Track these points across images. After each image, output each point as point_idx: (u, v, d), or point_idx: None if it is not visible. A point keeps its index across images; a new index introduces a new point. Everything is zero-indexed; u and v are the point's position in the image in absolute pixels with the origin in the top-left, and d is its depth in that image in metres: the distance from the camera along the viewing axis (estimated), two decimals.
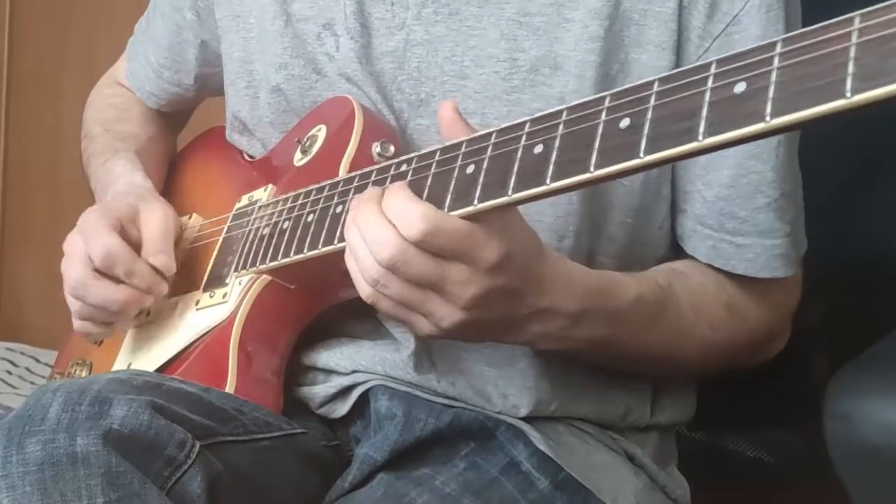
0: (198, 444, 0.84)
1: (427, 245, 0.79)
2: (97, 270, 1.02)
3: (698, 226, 1.01)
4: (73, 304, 1.06)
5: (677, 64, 0.97)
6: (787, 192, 1.00)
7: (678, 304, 0.98)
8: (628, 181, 0.99)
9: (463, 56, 0.99)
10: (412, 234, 0.79)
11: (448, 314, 0.83)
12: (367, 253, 0.81)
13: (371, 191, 0.84)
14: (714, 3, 0.97)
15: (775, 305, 1.05)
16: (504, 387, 1.00)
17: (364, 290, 0.84)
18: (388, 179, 0.88)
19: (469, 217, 0.79)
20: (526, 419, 1.00)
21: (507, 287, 0.83)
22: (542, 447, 0.97)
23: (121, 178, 1.15)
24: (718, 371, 1.06)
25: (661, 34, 0.97)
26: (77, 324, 1.08)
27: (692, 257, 1.03)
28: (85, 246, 1.03)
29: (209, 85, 1.24)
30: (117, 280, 1.03)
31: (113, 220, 1.04)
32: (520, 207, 0.82)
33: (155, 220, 1.06)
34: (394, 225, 0.79)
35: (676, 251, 1.05)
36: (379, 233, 0.80)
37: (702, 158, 0.99)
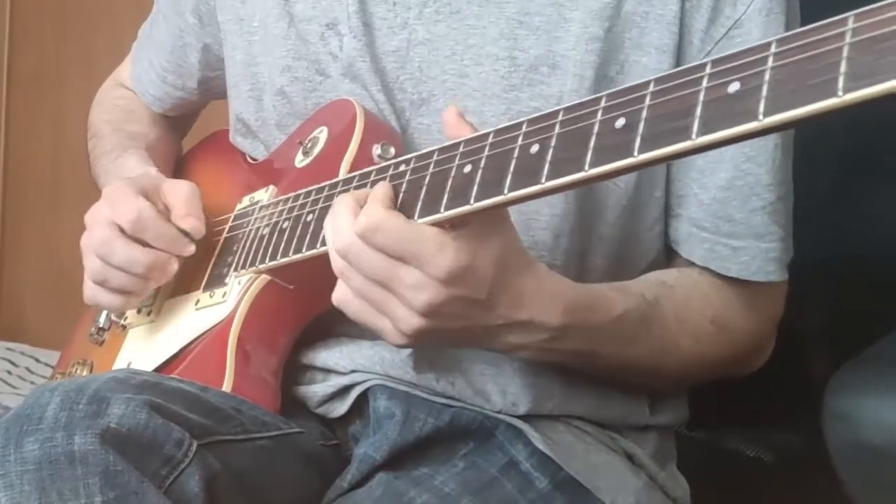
0: (195, 443, 0.84)
1: (369, 241, 0.82)
2: (125, 235, 1.02)
3: (694, 229, 1.01)
4: (94, 265, 1.04)
5: (678, 67, 0.97)
6: (782, 197, 1.00)
7: (663, 320, 0.97)
8: (623, 183, 0.99)
9: (463, 55, 1.00)
10: (356, 227, 0.83)
11: (406, 317, 0.84)
12: (329, 238, 0.85)
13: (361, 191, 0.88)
14: (716, 7, 0.97)
15: (761, 314, 1.05)
16: (503, 384, 1.00)
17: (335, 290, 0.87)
18: (387, 179, 0.88)
19: (439, 224, 0.82)
20: (525, 417, 1.00)
21: (468, 298, 0.84)
22: (541, 447, 0.97)
23: (135, 170, 1.16)
24: (698, 383, 1.06)
25: (663, 37, 0.97)
26: (91, 289, 1.06)
27: (684, 263, 1.03)
28: (111, 212, 1.03)
29: (212, 88, 1.24)
30: (144, 244, 1.02)
31: (139, 189, 1.04)
32: (516, 206, 0.82)
33: (181, 188, 1.06)
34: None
35: (667, 254, 1.05)
36: (339, 222, 0.84)
37: (698, 162, 0.99)
